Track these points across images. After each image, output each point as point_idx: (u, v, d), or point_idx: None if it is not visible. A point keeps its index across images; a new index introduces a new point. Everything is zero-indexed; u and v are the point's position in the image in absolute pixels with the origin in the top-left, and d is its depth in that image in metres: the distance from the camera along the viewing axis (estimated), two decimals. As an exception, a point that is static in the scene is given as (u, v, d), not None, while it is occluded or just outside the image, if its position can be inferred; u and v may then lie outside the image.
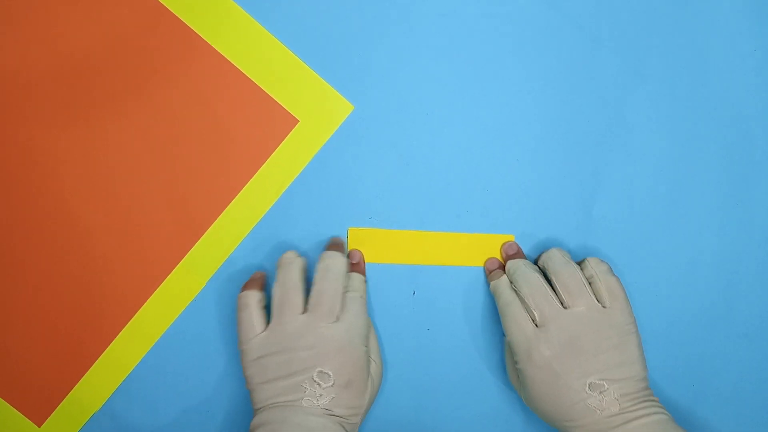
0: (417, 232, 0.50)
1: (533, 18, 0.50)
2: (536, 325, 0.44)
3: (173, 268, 0.50)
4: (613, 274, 0.45)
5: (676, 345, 0.50)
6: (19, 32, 0.49)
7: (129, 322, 0.50)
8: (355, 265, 0.49)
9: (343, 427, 0.42)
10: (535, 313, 0.44)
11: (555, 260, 0.46)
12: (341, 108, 0.50)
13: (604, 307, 0.44)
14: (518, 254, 0.49)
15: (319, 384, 0.42)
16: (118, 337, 0.50)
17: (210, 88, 0.49)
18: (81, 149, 0.49)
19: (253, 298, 0.45)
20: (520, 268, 0.46)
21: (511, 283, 0.46)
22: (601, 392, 0.42)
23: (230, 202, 0.50)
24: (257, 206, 0.50)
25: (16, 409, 0.50)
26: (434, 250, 0.50)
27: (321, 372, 0.42)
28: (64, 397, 0.50)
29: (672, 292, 0.50)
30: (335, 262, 0.46)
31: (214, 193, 0.50)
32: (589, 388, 0.42)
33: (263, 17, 0.49)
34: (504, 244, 0.49)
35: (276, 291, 0.45)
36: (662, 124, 0.50)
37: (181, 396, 0.50)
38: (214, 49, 0.49)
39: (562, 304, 0.44)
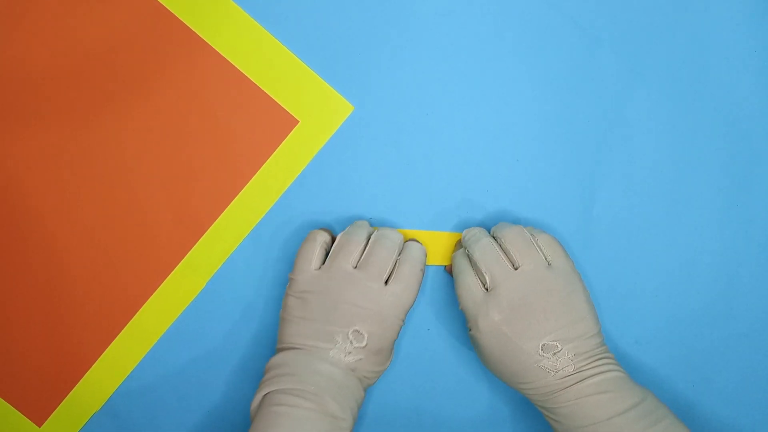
0: (417, 232, 0.50)
1: (533, 18, 0.50)
2: (487, 290, 0.44)
3: (174, 268, 0.50)
4: (546, 232, 0.45)
5: (677, 345, 0.50)
6: (20, 33, 0.49)
7: (129, 322, 0.50)
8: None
9: (361, 384, 0.43)
10: (486, 276, 0.43)
11: (501, 224, 0.46)
12: (341, 108, 0.50)
13: (549, 264, 0.44)
14: None
15: (351, 342, 0.43)
16: (118, 337, 0.50)
17: (210, 88, 0.49)
18: (81, 149, 0.49)
19: (321, 236, 0.46)
20: (475, 234, 0.46)
21: (466, 250, 0.46)
22: (554, 353, 0.41)
23: (231, 202, 0.50)
24: (258, 206, 0.50)
25: (16, 409, 0.50)
26: (434, 250, 0.50)
27: (357, 331, 0.43)
28: (64, 397, 0.50)
29: (672, 292, 0.50)
30: (390, 232, 0.46)
31: (214, 193, 0.50)
32: (542, 350, 0.42)
33: (263, 17, 0.49)
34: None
35: (339, 238, 0.45)
36: (662, 124, 0.50)
37: (181, 396, 0.50)
38: (214, 50, 0.49)
39: (513, 266, 0.44)
